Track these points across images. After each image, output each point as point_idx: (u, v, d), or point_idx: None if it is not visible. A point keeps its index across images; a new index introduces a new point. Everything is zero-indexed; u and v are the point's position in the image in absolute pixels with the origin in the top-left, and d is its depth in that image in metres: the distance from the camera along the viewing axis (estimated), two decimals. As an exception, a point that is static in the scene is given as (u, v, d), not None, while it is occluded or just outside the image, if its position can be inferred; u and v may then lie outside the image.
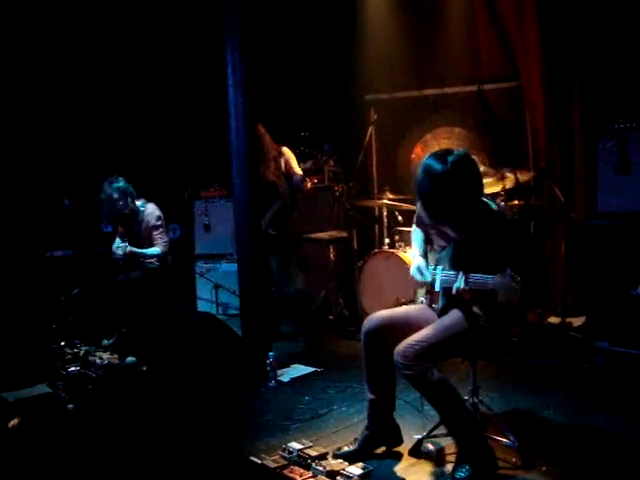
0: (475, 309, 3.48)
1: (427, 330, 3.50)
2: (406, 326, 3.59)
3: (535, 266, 6.60)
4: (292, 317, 6.42)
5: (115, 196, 6.22)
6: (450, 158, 3.40)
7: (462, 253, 3.51)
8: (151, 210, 6.40)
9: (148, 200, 6.49)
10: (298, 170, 6.14)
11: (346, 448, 3.78)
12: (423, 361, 3.37)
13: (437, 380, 3.38)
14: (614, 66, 6.08)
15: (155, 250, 6.32)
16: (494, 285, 3.26)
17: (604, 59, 6.17)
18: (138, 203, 6.41)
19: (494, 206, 3.57)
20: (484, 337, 3.51)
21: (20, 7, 7.02)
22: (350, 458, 3.68)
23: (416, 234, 3.98)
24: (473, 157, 3.54)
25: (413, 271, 3.80)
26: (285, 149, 6.13)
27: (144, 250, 6.29)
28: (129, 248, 6.15)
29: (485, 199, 3.61)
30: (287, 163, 6.09)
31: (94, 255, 6.85)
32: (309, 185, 6.25)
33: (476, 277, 3.35)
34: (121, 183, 6.25)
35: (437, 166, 3.41)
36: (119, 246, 6.13)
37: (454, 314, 3.54)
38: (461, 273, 3.41)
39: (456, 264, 3.49)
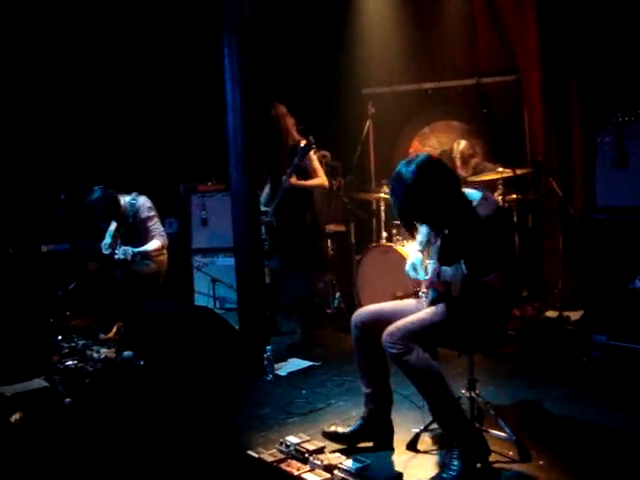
0: (454, 301, 3.48)
1: (416, 315, 3.57)
2: (395, 318, 3.60)
3: (532, 260, 6.61)
4: (293, 312, 6.41)
5: (94, 210, 6.18)
6: (409, 171, 3.41)
7: (446, 247, 3.52)
8: (142, 202, 6.35)
9: (140, 193, 6.46)
10: (319, 172, 5.91)
11: (333, 428, 3.84)
12: (410, 342, 3.40)
13: (421, 361, 3.40)
14: (612, 60, 6.08)
15: (155, 243, 6.29)
16: (450, 277, 3.34)
17: (602, 53, 6.17)
18: (129, 198, 6.35)
19: (478, 197, 3.54)
20: (469, 329, 3.51)
21: (15, 4, 7.01)
22: (336, 439, 3.75)
23: (423, 226, 3.98)
24: (434, 162, 3.50)
25: (408, 267, 3.84)
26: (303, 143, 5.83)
27: (146, 247, 6.25)
28: (131, 250, 6.11)
29: (469, 190, 3.60)
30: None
31: (89, 250, 6.83)
32: (292, 182, 5.79)
33: (442, 269, 3.41)
34: (96, 195, 6.14)
35: (399, 183, 3.44)
36: (124, 252, 6.09)
37: (440, 305, 3.56)
38: (436, 266, 3.47)
39: (441, 257, 3.52)
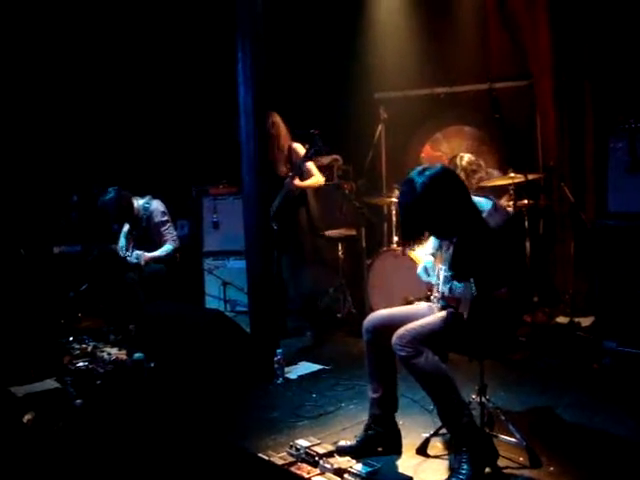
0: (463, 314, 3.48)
1: (426, 318, 3.58)
2: (407, 323, 3.59)
3: (543, 266, 6.59)
4: (298, 314, 6.44)
5: (108, 210, 6.19)
6: (419, 182, 3.39)
7: (458, 256, 3.52)
8: (156, 206, 6.40)
9: (153, 196, 6.49)
10: (314, 170, 6.11)
11: (343, 442, 3.82)
12: (419, 345, 3.41)
13: (430, 365, 3.40)
14: (625, 65, 6.06)
15: (168, 247, 6.33)
16: (459, 294, 3.36)
17: (615, 57, 6.14)
18: (142, 201, 6.38)
19: (488, 207, 3.53)
20: (480, 335, 3.51)
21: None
22: (346, 453, 3.73)
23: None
24: (446, 175, 3.48)
25: (420, 270, 3.87)
26: (296, 146, 6.08)
27: (159, 252, 6.29)
28: (144, 255, 6.14)
29: (479, 198, 3.59)
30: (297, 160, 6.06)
31: (101, 252, 6.85)
32: (297, 184, 5.99)
33: (455, 285, 3.43)
34: (109, 196, 6.16)
35: (408, 191, 3.43)
36: (137, 256, 6.11)
37: (451, 310, 3.55)
38: (448, 274, 3.50)
39: (452, 266, 3.52)
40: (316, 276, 6.53)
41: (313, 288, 6.33)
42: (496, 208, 3.54)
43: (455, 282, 3.44)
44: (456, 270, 3.46)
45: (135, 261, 6.11)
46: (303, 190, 6.12)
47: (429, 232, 3.64)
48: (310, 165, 6.08)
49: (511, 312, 3.55)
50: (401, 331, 3.48)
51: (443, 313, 3.59)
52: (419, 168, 3.50)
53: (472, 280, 3.27)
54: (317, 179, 6.12)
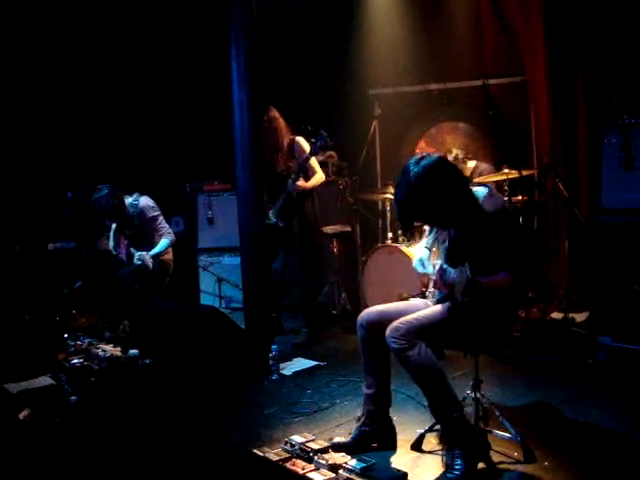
0: (458, 302, 3.48)
1: (422, 312, 3.59)
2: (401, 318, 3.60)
3: (538, 261, 6.59)
4: (297, 311, 6.43)
5: (101, 206, 6.12)
6: (415, 171, 3.38)
7: (454, 247, 3.53)
8: (145, 202, 6.33)
9: (143, 193, 6.45)
10: (316, 167, 5.99)
11: (337, 439, 3.83)
12: (413, 337, 3.42)
13: (422, 358, 3.40)
14: (619, 61, 6.06)
15: (165, 242, 6.29)
16: (452, 280, 3.37)
17: (610, 54, 6.14)
18: (131, 199, 6.32)
19: (483, 194, 3.53)
20: (475, 330, 3.52)
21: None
22: (342, 449, 3.73)
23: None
24: (442, 165, 3.47)
25: (415, 263, 3.86)
26: (299, 139, 5.95)
27: (159, 248, 6.26)
28: (147, 255, 6.11)
29: (477, 187, 3.59)
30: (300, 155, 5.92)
31: (95, 249, 6.84)
32: (301, 185, 5.87)
33: (447, 271, 3.44)
34: (102, 193, 6.10)
35: (404, 180, 3.43)
36: (140, 257, 6.08)
37: (446, 304, 3.57)
38: (441, 266, 3.50)
39: (448, 258, 3.53)
40: (321, 273, 6.55)
41: (318, 285, 6.32)
42: (491, 194, 3.55)
43: (448, 268, 3.45)
44: (453, 256, 3.46)
45: (139, 262, 6.06)
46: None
47: (424, 222, 3.64)
48: (313, 161, 5.94)
49: (507, 303, 3.57)
50: (395, 324, 3.49)
51: (439, 307, 3.59)
52: (416, 157, 3.49)
53: (467, 264, 3.27)
54: (320, 176, 6.00)
